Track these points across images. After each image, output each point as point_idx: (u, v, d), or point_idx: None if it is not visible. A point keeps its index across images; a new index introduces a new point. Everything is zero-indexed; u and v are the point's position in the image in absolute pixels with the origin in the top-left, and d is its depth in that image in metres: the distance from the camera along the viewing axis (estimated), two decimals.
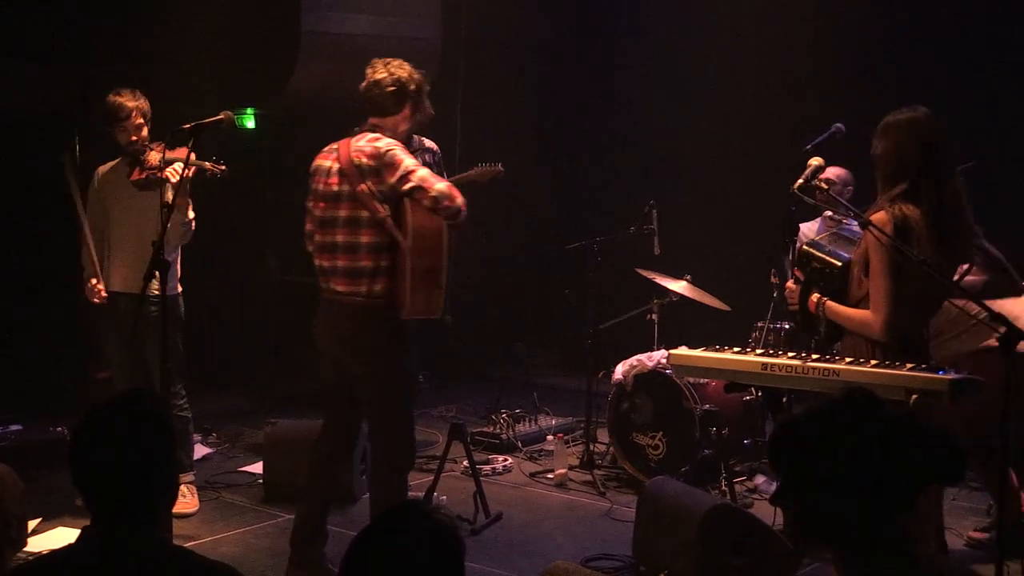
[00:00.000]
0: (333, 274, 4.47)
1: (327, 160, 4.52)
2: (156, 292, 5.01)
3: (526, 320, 9.23)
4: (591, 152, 9.20)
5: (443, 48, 8.28)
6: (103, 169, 5.58)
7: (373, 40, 7.79)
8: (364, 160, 4.38)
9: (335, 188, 4.44)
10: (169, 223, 4.37)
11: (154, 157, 5.28)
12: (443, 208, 4.37)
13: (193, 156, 4.88)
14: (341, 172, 4.43)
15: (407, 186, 4.35)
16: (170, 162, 5.05)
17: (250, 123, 8.30)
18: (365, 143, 4.44)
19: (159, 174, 5.18)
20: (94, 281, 5.41)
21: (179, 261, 5.50)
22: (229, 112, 4.55)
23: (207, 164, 5.18)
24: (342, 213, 4.42)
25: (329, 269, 4.49)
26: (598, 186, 9.08)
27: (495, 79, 8.87)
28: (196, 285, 5.75)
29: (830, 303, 4.10)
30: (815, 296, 4.14)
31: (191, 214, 5.32)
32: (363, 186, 4.36)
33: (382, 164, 4.37)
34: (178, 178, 4.94)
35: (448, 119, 8.89)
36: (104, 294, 5.39)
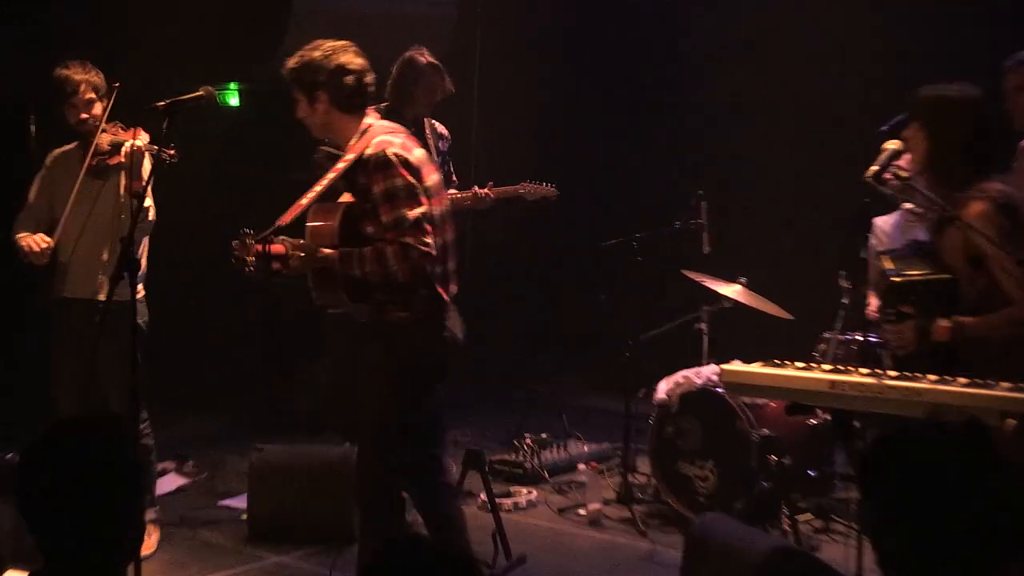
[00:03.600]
0: (454, 278, 4.59)
1: (419, 148, 4.56)
2: (119, 298, 5.00)
3: (554, 330, 9.20)
4: (630, 137, 9.17)
5: (458, 18, 8.26)
6: (57, 152, 5.62)
7: (373, 5, 7.78)
8: None
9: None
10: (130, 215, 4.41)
11: (105, 139, 5.33)
12: None
13: (147, 137, 5.03)
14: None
15: None
16: (120, 145, 5.11)
17: (234, 100, 8.33)
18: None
19: (110, 160, 5.24)
20: (33, 236, 5.34)
21: (144, 259, 5.52)
22: (210, 87, 4.55)
23: (152, 147, 5.15)
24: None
25: (452, 272, 4.57)
26: (638, 176, 9.06)
27: (519, 55, 8.83)
28: (169, 288, 5.76)
29: (969, 320, 4.01)
30: (944, 322, 4.03)
31: (148, 201, 5.33)
32: None
33: None
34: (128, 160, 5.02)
35: (464, 100, 8.87)
36: (47, 243, 5.34)
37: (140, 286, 5.43)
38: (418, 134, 6.27)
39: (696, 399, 6.01)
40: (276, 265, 4.37)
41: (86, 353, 5.09)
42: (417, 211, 4.28)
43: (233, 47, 7.94)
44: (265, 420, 7.91)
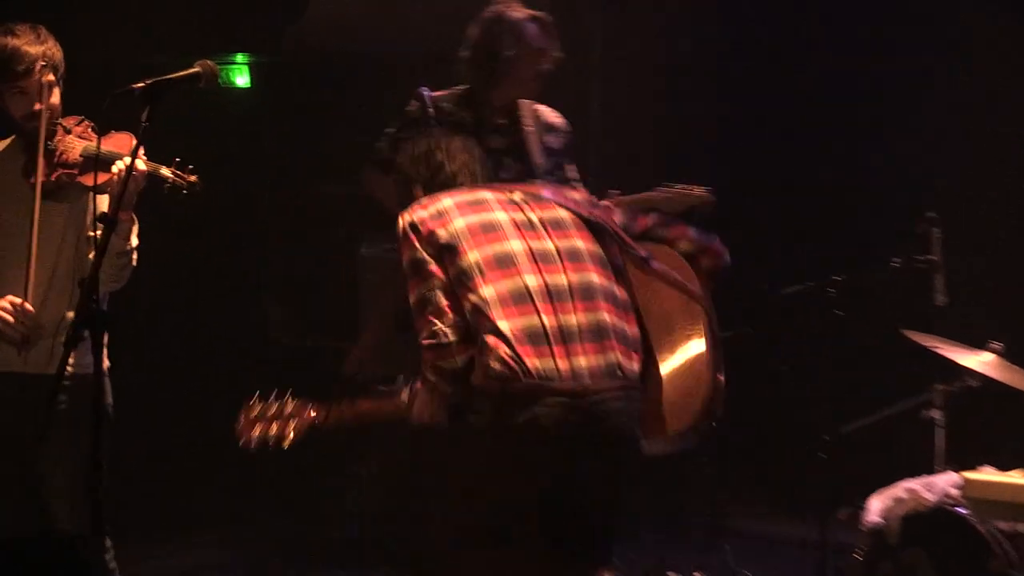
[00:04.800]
0: (571, 339, 4.62)
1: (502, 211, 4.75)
2: (77, 369, 5.08)
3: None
4: (823, 133, 9.10)
5: None
6: None
7: None
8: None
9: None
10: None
11: (73, 145, 5.29)
12: None
13: (141, 151, 4.92)
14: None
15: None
16: (106, 160, 5.06)
17: (241, 79, 8.48)
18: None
19: (82, 177, 5.24)
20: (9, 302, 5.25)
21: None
22: (209, 62, 4.61)
23: (165, 170, 5.17)
24: (595, 279, 4.72)
25: (562, 331, 4.61)
26: (836, 190, 8.98)
27: (664, 10, 8.84)
28: (140, 356, 5.78)
29: None
30: None
31: (134, 240, 5.34)
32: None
33: None
34: (120, 183, 4.95)
35: (578, 75, 8.92)
36: (29, 312, 5.24)
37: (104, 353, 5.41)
38: (512, 128, 6.30)
39: (926, 524, 5.92)
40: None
41: (27, 450, 5.10)
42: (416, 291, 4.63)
43: (240, 6, 8.05)
44: (286, 549, 7.99)
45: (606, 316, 4.63)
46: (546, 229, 4.70)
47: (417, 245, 4.59)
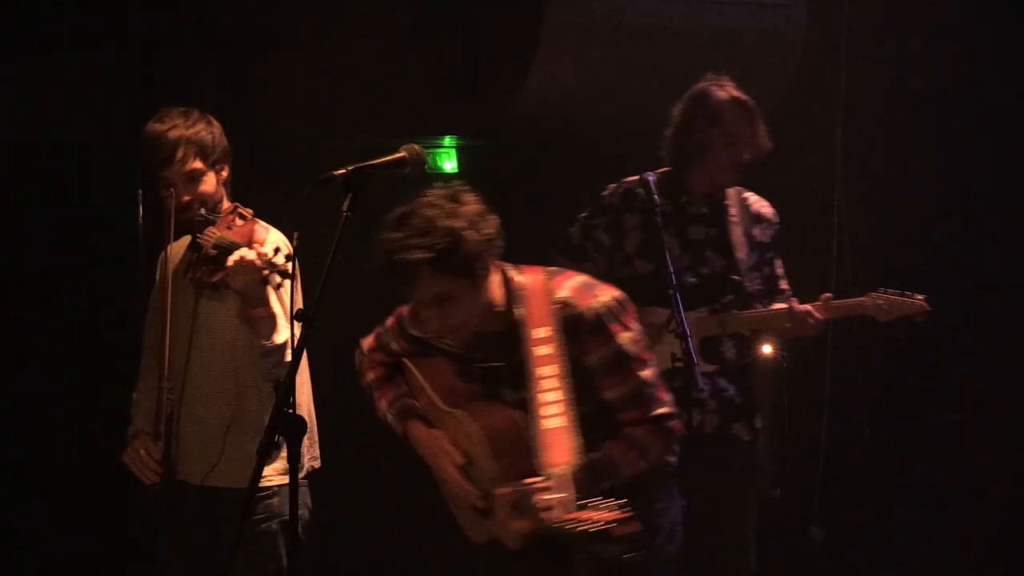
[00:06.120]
0: None
1: None
2: (270, 482, 5.04)
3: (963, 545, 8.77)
4: None
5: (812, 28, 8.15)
6: (174, 253, 5.49)
7: (680, 14, 7.73)
8: None
9: None
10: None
11: (209, 238, 5.20)
12: None
13: (268, 235, 5.11)
14: None
15: None
16: (227, 250, 5.04)
17: (449, 164, 8.44)
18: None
19: (212, 275, 5.16)
20: (145, 444, 5.30)
21: (310, 416, 5.43)
22: (415, 146, 4.54)
23: (265, 255, 5.02)
24: None
25: None
26: None
27: (912, 83, 8.61)
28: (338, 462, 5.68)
29: None
30: None
31: (280, 336, 5.20)
32: None
33: None
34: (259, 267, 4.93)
35: (815, 150, 8.69)
36: (158, 469, 5.28)
37: (309, 456, 5.37)
38: (714, 216, 6.25)
39: None
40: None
41: (218, 569, 4.98)
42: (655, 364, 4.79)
43: (448, 81, 8.00)
44: None
45: None
46: None
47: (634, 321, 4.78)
